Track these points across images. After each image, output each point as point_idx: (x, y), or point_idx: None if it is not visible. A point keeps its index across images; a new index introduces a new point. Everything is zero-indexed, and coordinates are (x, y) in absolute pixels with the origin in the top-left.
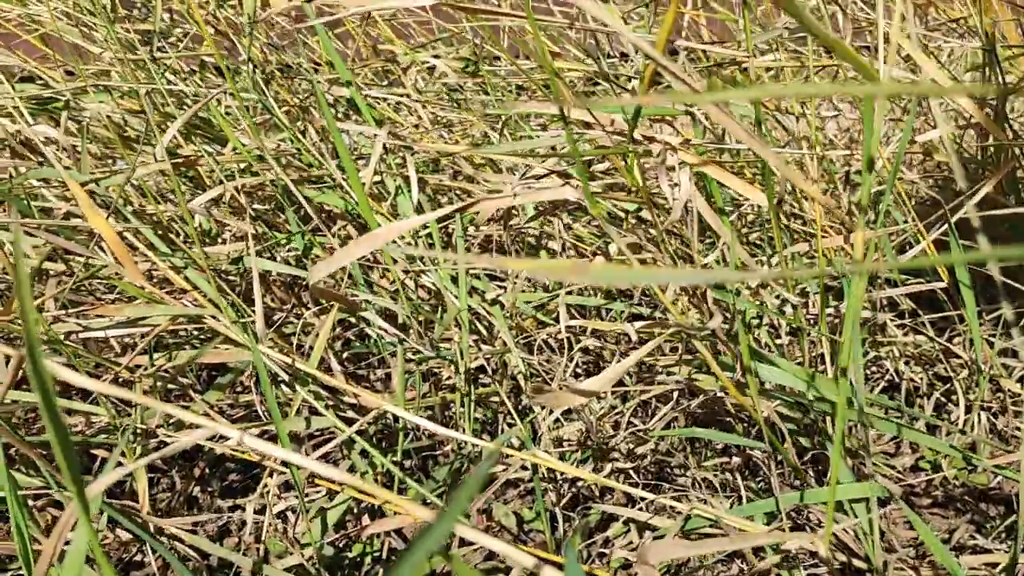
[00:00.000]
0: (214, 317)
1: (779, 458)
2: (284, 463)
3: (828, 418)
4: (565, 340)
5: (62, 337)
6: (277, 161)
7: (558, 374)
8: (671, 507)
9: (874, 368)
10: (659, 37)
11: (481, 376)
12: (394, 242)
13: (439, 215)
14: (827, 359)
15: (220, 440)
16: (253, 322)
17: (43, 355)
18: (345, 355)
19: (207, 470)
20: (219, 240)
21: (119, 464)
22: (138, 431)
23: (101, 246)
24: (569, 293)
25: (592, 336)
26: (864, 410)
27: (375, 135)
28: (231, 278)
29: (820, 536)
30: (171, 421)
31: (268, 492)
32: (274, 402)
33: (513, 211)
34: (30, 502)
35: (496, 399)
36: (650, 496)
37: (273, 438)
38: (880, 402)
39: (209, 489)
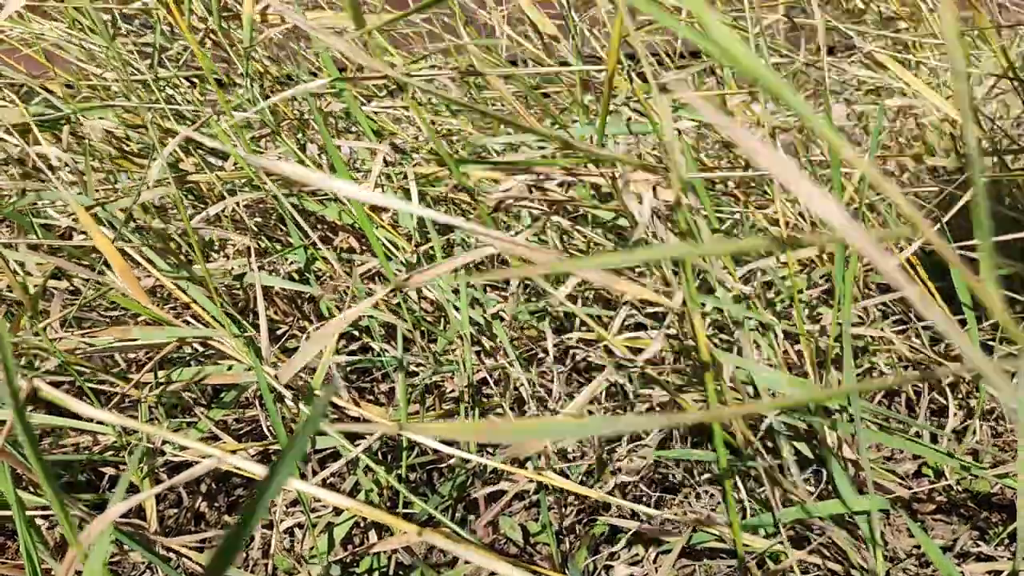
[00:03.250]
0: (219, 339)
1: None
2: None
3: (826, 427)
4: (554, 352)
5: (66, 353)
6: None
7: (555, 391)
8: (675, 522)
9: (876, 373)
10: (609, 55)
11: (484, 388)
12: (389, 258)
13: (376, 298)
14: (809, 367)
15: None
16: (257, 339)
17: (48, 374)
18: (349, 368)
19: (214, 486)
20: (222, 251)
21: (129, 483)
22: (145, 449)
23: (106, 262)
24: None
25: (585, 345)
26: (859, 420)
27: (375, 149)
28: (235, 292)
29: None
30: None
31: (275, 508)
32: (280, 425)
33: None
34: (39, 521)
35: (500, 411)
36: (653, 512)
37: (278, 453)
38: (877, 411)
39: (216, 505)
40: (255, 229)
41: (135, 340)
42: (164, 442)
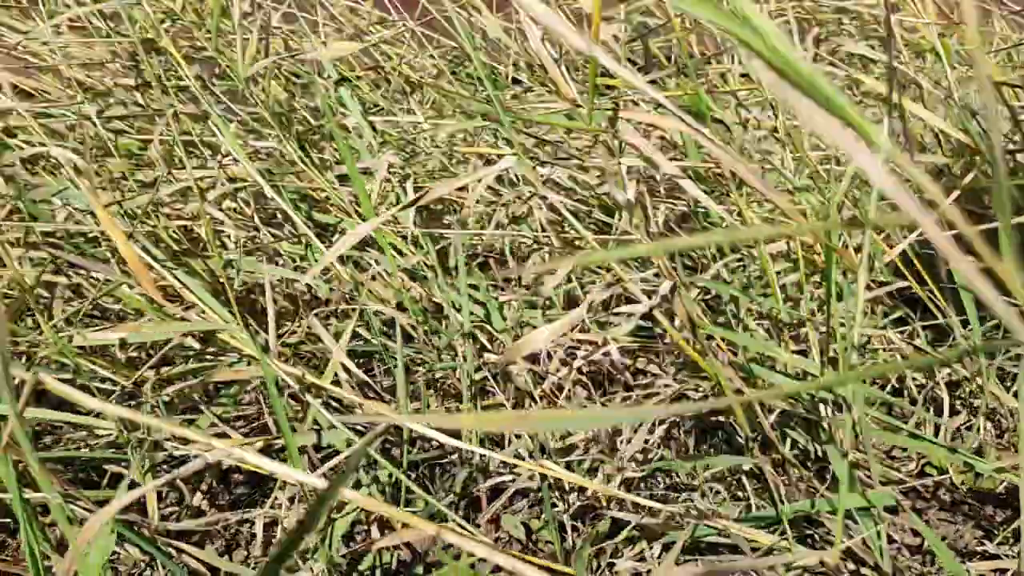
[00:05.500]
0: (227, 333)
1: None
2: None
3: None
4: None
5: (68, 347)
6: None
7: (567, 389)
8: (680, 517)
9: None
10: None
11: (486, 383)
12: (394, 257)
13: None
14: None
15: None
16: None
17: (50, 370)
18: (352, 362)
19: (215, 483)
20: (223, 246)
21: (131, 480)
22: (146, 444)
23: (119, 259)
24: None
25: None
26: (863, 413)
27: (381, 154)
28: (234, 286)
29: (829, 552)
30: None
31: (281, 504)
32: (284, 418)
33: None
34: (41, 517)
35: (502, 406)
36: (656, 507)
37: (281, 449)
38: (881, 398)
39: (218, 502)
40: (254, 223)
41: (146, 336)
42: (166, 438)
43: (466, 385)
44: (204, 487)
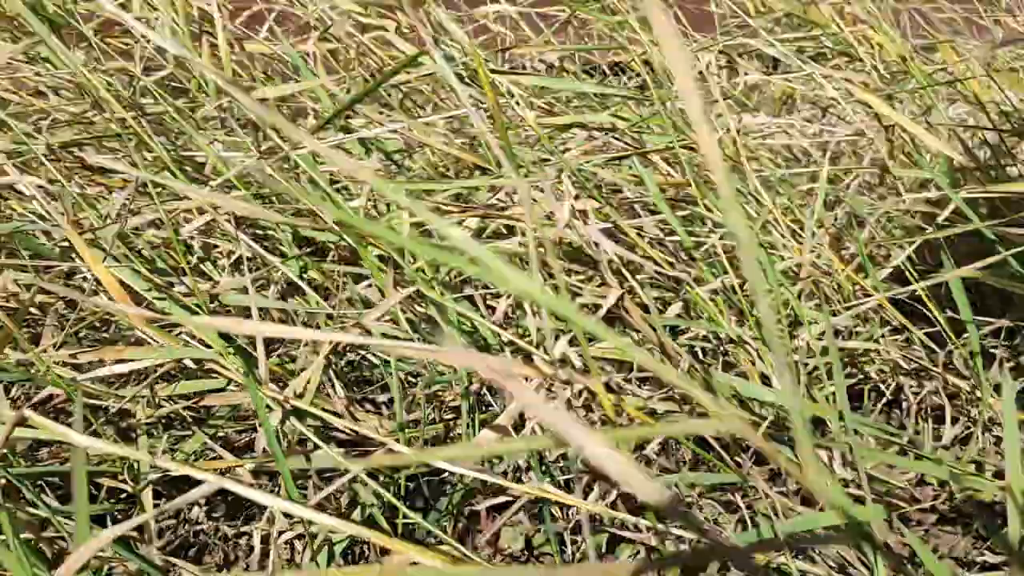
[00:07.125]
0: (216, 361)
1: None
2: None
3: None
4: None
5: (58, 367)
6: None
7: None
8: (677, 536)
9: (875, 383)
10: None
11: (484, 396)
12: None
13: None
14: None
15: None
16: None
17: (42, 389)
18: (350, 376)
19: (212, 496)
20: (215, 263)
21: (126, 494)
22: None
23: (97, 281)
24: None
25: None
26: (850, 431)
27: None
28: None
29: None
30: (174, 450)
31: (274, 521)
32: (276, 444)
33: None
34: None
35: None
36: (656, 525)
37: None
38: (873, 427)
39: (214, 515)
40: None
41: (129, 360)
42: (163, 452)
43: (463, 395)
44: (201, 500)
